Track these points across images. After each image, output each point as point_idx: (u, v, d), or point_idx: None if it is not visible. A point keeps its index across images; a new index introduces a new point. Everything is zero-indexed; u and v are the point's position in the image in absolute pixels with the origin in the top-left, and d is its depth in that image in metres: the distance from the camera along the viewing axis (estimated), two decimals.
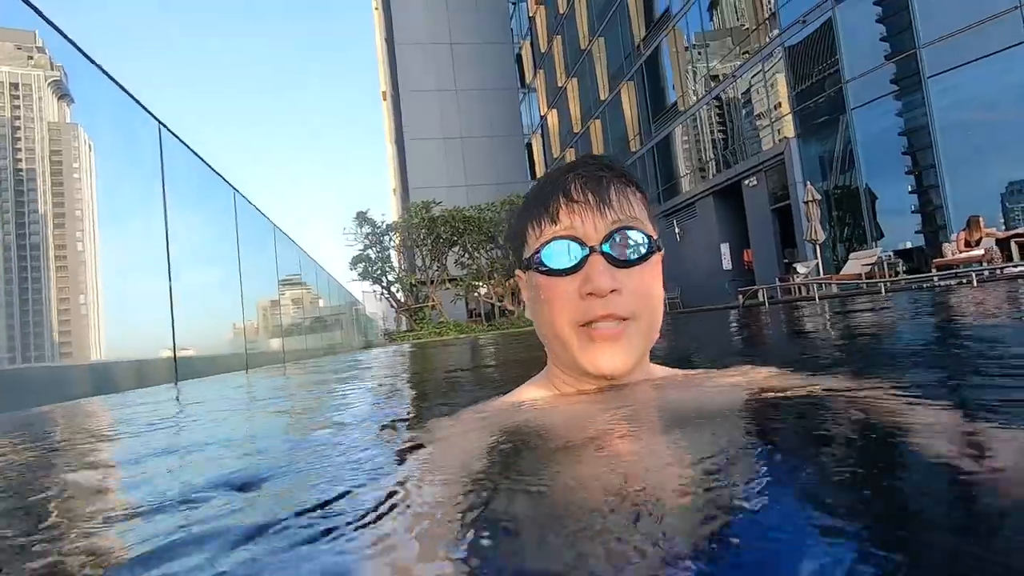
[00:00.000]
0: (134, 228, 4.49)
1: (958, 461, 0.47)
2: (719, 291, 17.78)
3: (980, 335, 1.93)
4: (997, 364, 1.12)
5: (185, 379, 4.07)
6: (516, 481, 0.53)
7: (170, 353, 4.54)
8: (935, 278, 9.15)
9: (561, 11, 30.22)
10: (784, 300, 11.68)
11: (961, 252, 9.54)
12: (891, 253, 11.88)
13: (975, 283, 7.08)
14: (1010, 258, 9.09)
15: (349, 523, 0.46)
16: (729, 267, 18.17)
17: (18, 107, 4.33)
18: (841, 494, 0.43)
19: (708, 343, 3.20)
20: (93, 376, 4.02)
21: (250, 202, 6.64)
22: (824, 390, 0.76)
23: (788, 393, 0.76)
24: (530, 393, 0.90)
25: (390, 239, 28.51)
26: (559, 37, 31.12)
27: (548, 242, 0.79)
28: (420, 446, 0.76)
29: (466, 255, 26.70)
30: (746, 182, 16.67)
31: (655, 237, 0.81)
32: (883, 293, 8.07)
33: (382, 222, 28.31)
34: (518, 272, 0.91)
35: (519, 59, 39.35)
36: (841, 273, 11.41)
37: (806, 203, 12.23)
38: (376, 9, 43.73)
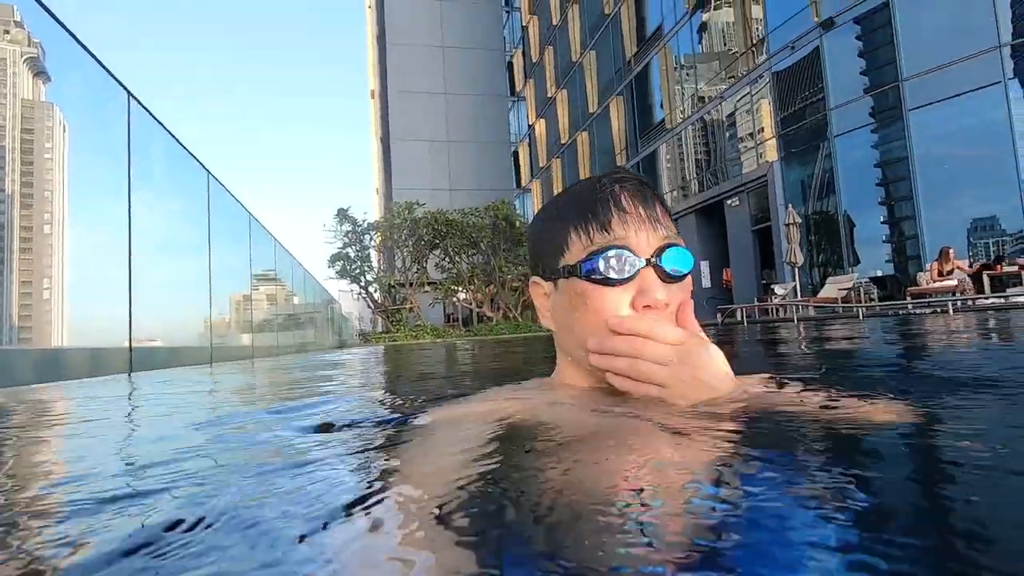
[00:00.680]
0: (98, 209, 4.22)
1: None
2: (696, 308, 17.84)
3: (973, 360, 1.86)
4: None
5: (142, 370, 3.80)
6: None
7: (145, 342, 4.27)
8: (910, 306, 9.30)
9: (554, 22, 30.43)
10: (762, 320, 11.77)
11: (935, 282, 9.75)
12: (867, 279, 12.09)
13: (951, 312, 7.19)
14: (982, 290, 9.30)
15: None
16: (708, 285, 18.34)
17: None
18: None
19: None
20: (40, 362, 3.73)
21: (225, 187, 6.35)
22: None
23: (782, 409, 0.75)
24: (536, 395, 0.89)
25: (371, 238, 28.10)
26: (551, 48, 31.32)
27: (602, 250, 0.78)
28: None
29: (447, 259, 26.45)
30: (728, 202, 16.88)
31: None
32: (860, 318, 8.15)
33: (363, 220, 27.90)
34: (537, 279, 0.90)
35: (510, 67, 39.49)
36: (819, 296, 11.56)
37: (787, 226, 12.39)
38: (369, 8, 43.48)
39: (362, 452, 0.74)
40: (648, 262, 0.78)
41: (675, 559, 0.34)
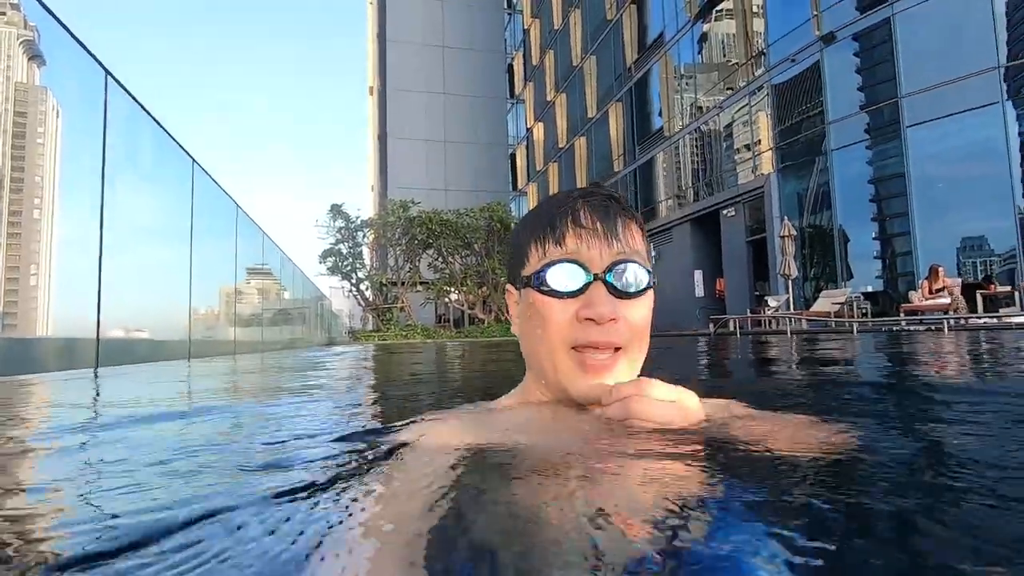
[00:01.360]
0: (68, 194, 4.04)
1: None
2: (688, 317, 17.86)
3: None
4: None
5: (109, 365, 3.61)
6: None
7: (114, 333, 4.09)
8: (903, 322, 9.26)
9: (556, 26, 30.41)
10: (755, 331, 11.71)
11: (927, 299, 9.73)
12: (860, 294, 12.07)
13: (946, 331, 7.13)
14: (975, 309, 9.28)
15: None
16: (701, 294, 18.29)
17: None
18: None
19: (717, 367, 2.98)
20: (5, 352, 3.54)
21: (210, 176, 6.15)
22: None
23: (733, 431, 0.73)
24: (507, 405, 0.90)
25: (364, 235, 27.88)
26: (552, 52, 31.28)
27: (553, 263, 0.80)
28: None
29: (440, 259, 26.28)
30: (724, 212, 16.85)
31: (651, 272, 0.83)
32: (854, 333, 8.08)
33: (357, 217, 27.69)
34: (509, 287, 0.91)
35: (510, 69, 39.45)
36: (812, 309, 11.52)
37: (782, 238, 12.36)
38: (371, 4, 43.30)
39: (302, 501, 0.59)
40: (596, 276, 0.78)
41: None
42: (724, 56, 17.77)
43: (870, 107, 12.75)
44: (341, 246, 27.39)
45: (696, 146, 18.97)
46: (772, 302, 13.04)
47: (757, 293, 15.82)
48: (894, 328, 8.94)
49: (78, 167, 4.04)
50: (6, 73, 4.26)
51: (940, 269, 9.91)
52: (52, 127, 4.30)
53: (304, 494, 0.56)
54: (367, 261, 28.96)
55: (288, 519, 0.49)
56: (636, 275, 0.80)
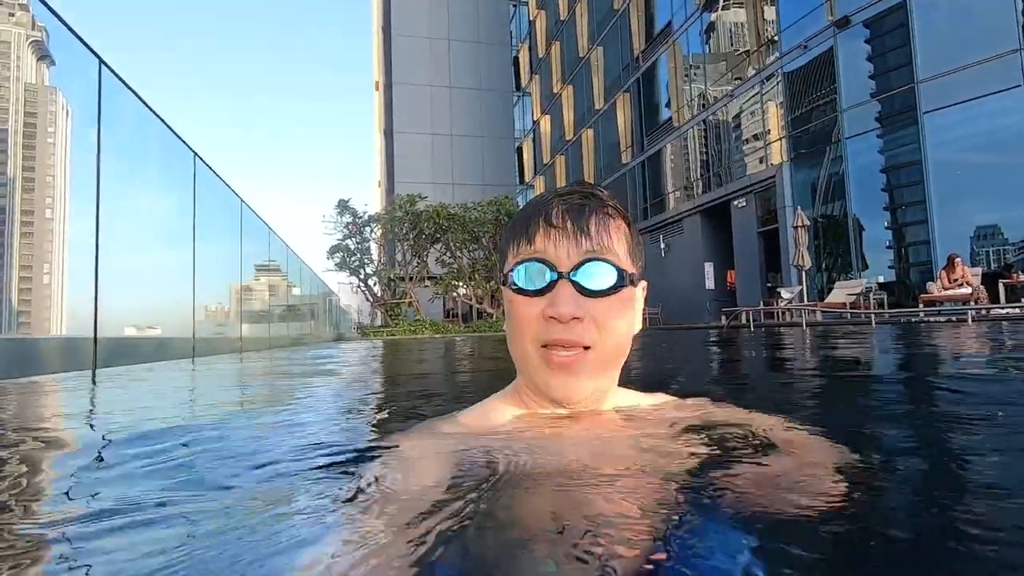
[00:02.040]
0: (86, 192, 3.96)
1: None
2: (699, 309, 17.66)
3: None
4: None
5: (109, 366, 3.52)
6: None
7: (115, 332, 4.00)
8: (922, 314, 9.03)
9: (562, 17, 30.07)
10: (768, 324, 11.50)
11: (945, 289, 9.49)
12: (875, 284, 11.82)
13: (970, 322, 6.92)
14: (996, 298, 9.03)
15: None
16: (711, 287, 18.07)
17: None
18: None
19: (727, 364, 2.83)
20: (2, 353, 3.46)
21: (213, 170, 6.05)
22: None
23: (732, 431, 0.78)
24: (497, 407, 0.90)
25: (371, 231, 27.80)
26: (558, 43, 30.96)
27: (521, 262, 0.81)
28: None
29: (448, 253, 26.17)
30: (735, 203, 16.59)
31: (632, 271, 0.82)
32: (872, 325, 7.88)
33: (364, 212, 27.60)
34: (501, 285, 0.92)
35: (516, 62, 39.14)
36: (826, 301, 11.29)
37: (795, 228, 12.12)
38: None
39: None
40: (561, 275, 0.78)
41: None
42: (732, 45, 17.45)
43: (885, 94, 12.43)
44: (349, 241, 27.32)
45: (705, 136, 18.68)
46: (785, 294, 12.83)
47: (769, 285, 15.59)
48: (913, 320, 8.71)
49: (85, 166, 3.97)
50: (16, 74, 4.31)
51: (958, 259, 9.70)
52: (62, 127, 4.30)
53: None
54: (375, 256, 28.90)
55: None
56: (604, 273, 0.79)
